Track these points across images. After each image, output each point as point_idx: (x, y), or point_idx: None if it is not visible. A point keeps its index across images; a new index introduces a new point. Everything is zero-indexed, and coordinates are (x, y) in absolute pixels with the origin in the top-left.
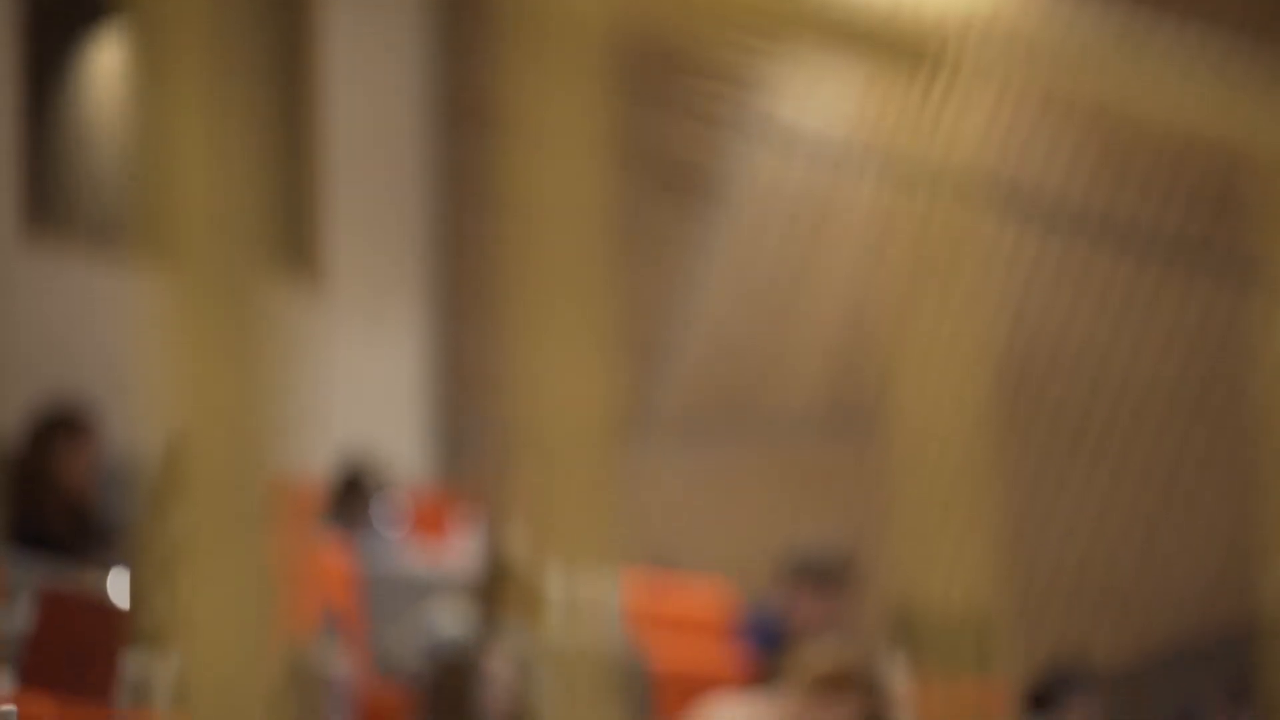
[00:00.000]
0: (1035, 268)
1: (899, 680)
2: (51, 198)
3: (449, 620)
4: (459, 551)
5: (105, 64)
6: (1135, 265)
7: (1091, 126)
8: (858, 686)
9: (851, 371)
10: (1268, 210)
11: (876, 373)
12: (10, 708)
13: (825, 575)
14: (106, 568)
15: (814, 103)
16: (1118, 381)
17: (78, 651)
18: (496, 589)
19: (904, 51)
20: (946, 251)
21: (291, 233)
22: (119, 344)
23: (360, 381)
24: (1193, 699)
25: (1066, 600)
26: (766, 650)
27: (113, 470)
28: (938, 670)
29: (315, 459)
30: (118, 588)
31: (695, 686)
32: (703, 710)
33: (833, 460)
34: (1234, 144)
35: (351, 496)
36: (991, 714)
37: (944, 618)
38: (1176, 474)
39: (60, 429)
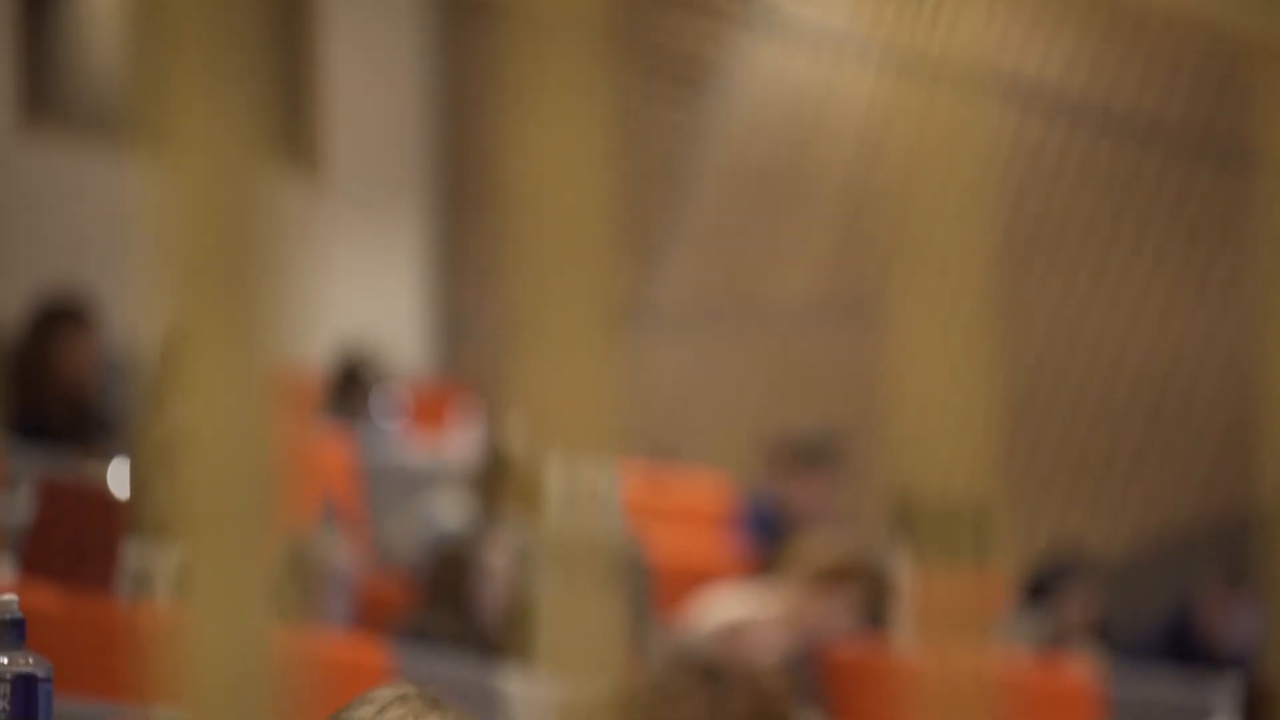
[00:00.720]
0: (1036, 158)
1: (899, 571)
2: (51, 88)
3: (448, 511)
4: (458, 443)
5: None
6: (1136, 155)
7: (1092, 14)
8: (858, 578)
9: (852, 261)
10: (1269, 98)
11: (876, 262)
12: (11, 597)
13: (813, 456)
14: (107, 458)
15: None
16: (1118, 271)
17: (78, 541)
18: (496, 481)
19: None
20: (946, 142)
21: (291, 125)
22: (119, 235)
23: (359, 274)
24: (1190, 587)
25: (1064, 490)
26: (766, 540)
27: (113, 361)
28: (937, 560)
29: (314, 351)
30: (118, 478)
31: (694, 578)
32: (702, 603)
33: (832, 350)
34: (1235, 31)
35: (350, 388)
36: (990, 604)
37: (943, 507)
38: (1176, 362)
39: (61, 319)
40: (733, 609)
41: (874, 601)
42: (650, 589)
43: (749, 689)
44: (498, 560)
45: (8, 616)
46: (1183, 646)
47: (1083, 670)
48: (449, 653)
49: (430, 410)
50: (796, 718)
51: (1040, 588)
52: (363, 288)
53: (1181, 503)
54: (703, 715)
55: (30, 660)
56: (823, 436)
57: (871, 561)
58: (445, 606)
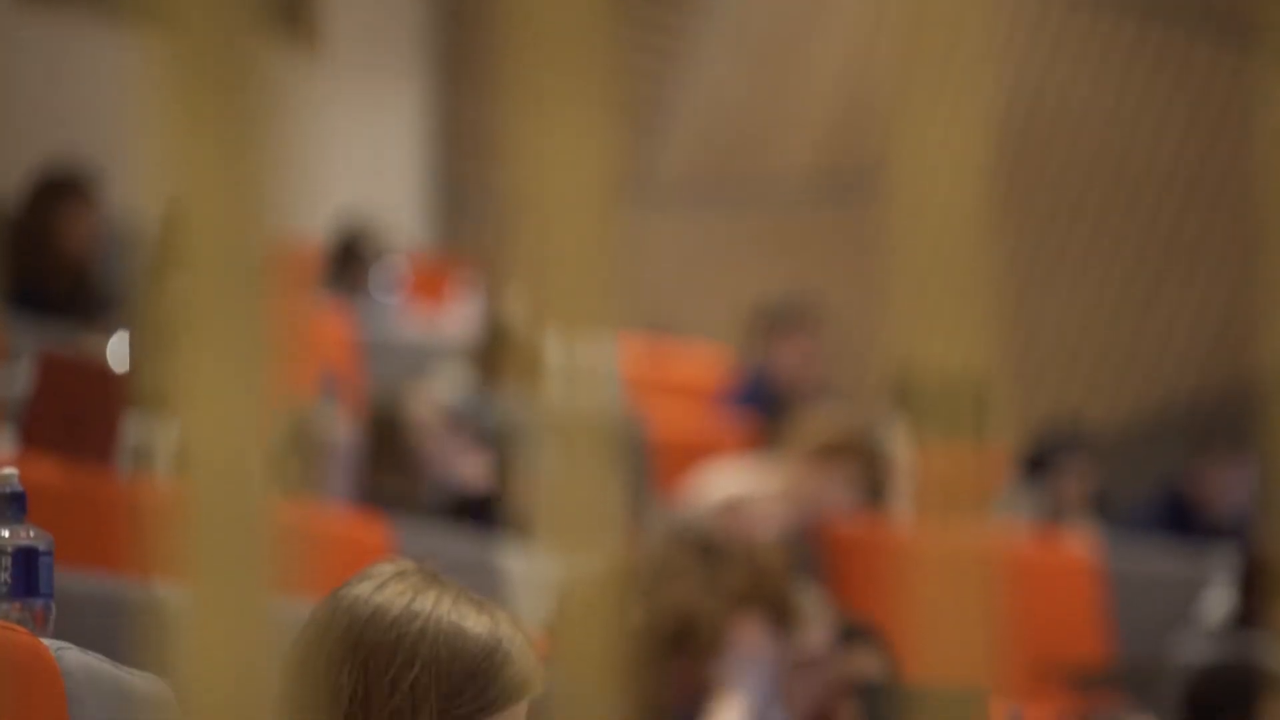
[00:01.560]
0: (1037, 33)
1: (897, 446)
2: None
3: (448, 385)
4: (458, 317)
5: None
6: (1136, 31)
7: None
8: (857, 453)
9: (852, 135)
10: None
11: (877, 137)
12: (12, 470)
13: (789, 319)
14: (107, 332)
15: None
16: (1118, 148)
17: (78, 415)
18: (495, 355)
19: None
20: (948, 14)
21: None
22: (119, 108)
23: (358, 147)
24: (1189, 462)
25: (1064, 366)
26: (764, 414)
27: (112, 235)
28: (936, 436)
29: (313, 224)
30: (117, 352)
31: (693, 453)
32: (701, 478)
33: (832, 225)
34: None
35: (349, 262)
36: (988, 479)
37: (942, 383)
38: (1175, 239)
39: (61, 191)
40: (731, 484)
41: (872, 477)
42: (649, 464)
43: (746, 565)
44: (422, 412)
45: (8, 490)
46: (1180, 519)
47: (1081, 544)
48: (448, 528)
49: (430, 284)
50: (793, 593)
51: (1038, 462)
52: (362, 161)
53: (1182, 377)
54: (699, 591)
55: (31, 534)
56: (797, 299)
57: (870, 437)
58: (386, 468)
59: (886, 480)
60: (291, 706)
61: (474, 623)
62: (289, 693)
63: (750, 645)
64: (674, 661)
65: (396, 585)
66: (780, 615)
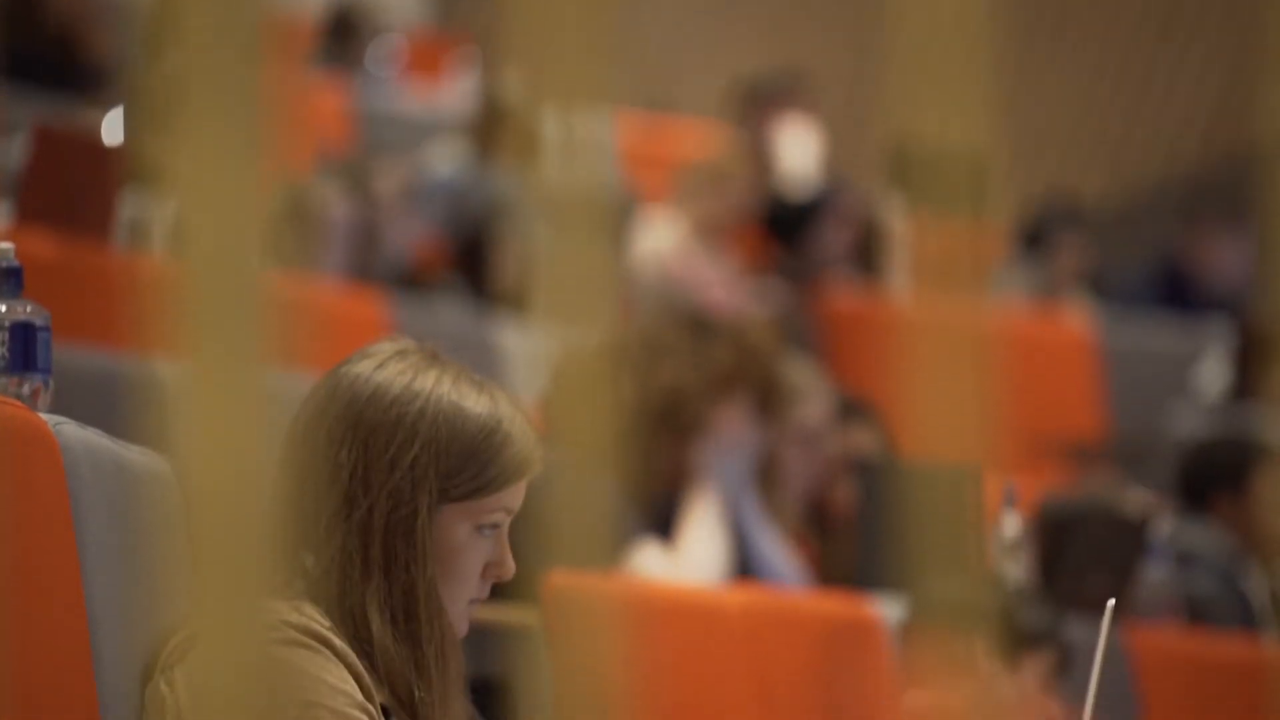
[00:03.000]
0: None
1: (895, 219)
2: None
3: (444, 160)
4: (455, 93)
5: None
6: None
7: None
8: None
9: None
10: None
11: None
12: (8, 245)
13: (773, 92)
14: (103, 107)
15: None
16: None
17: (74, 189)
18: (492, 130)
19: None
20: None
21: None
22: None
23: None
24: (1185, 234)
25: (1062, 141)
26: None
27: (109, 6)
28: (933, 210)
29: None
30: (113, 127)
31: None
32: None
33: None
34: None
35: (346, 36)
36: (985, 254)
37: (940, 157)
38: (1175, 10)
39: None
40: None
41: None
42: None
43: (734, 344)
44: (385, 186)
45: (4, 264)
46: (1176, 291)
47: (1077, 320)
48: (449, 305)
49: (427, 60)
50: (781, 374)
51: (1035, 238)
52: None
53: (1181, 151)
54: (687, 369)
55: (28, 308)
56: (789, 73)
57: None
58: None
59: (882, 247)
60: (290, 484)
61: (474, 403)
62: (288, 470)
63: (731, 432)
64: (660, 440)
65: (397, 364)
66: (767, 397)
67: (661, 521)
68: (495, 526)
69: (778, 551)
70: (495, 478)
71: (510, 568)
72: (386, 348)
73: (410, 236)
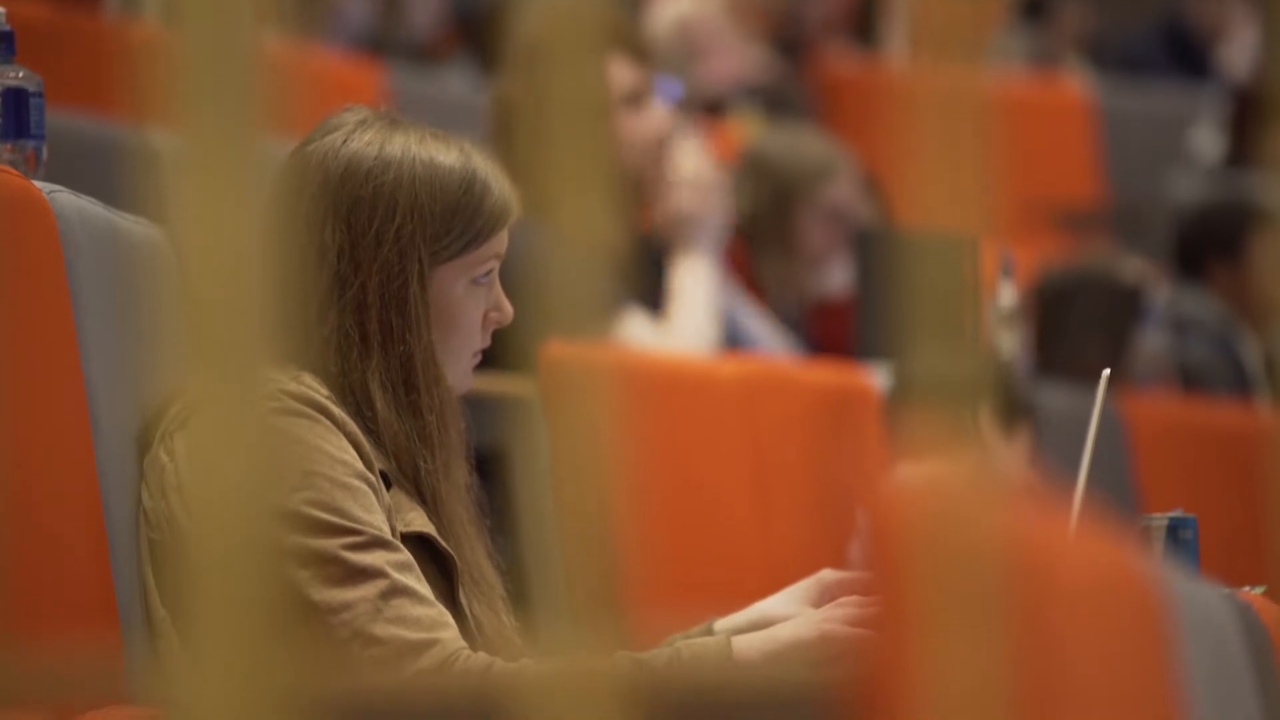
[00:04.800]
0: None
1: None
2: None
3: None
4: None
5: None
6: None
7: None
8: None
9: None
10: None
11: None
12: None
13: None
14: None
15: None
16: None
17: None
18: None
19: None
20: None
21: None
22: None
23: None
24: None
25: None
26: None
27: None
28: None
29: None
30: None
31: None
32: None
33: None
34: None
35: None
36: (985, 19)
37: None
38: None
39: None
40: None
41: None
42: None
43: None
44: None
45: None
46: (1178, 54)
47: (1076, 86)
48: (444, 74)
49: None
50: None
51: (1036, 3)
52: None
53: None
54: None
55: (20, 74)
56: None
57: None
58: None
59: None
60: (280, 272)
61: (446, 159)
62: (275, 260)
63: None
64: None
65: (362, 135)
66: None
67: (650, 290)
68: (489, 274)
69: (762, 325)
70: (482, 229)
71: (509, 310)
72: (348, 118)
73: (429, 12)
